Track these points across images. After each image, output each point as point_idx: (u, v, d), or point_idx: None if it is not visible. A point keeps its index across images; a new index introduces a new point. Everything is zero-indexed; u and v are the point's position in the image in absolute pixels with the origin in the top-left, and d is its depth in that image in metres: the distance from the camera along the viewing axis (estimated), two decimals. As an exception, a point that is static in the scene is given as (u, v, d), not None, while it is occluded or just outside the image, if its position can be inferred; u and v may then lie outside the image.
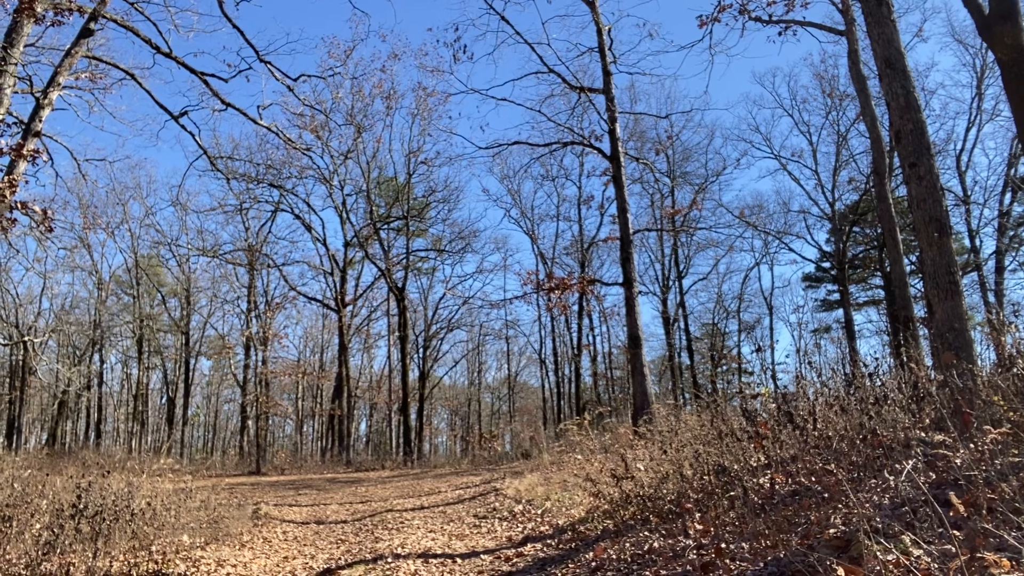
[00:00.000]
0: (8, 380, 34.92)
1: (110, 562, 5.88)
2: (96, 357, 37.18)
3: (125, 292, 37.63)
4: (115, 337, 38.72)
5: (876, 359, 6.84)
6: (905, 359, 6.21)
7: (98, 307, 35.57)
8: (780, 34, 16.81)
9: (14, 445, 29.07)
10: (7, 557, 5.75)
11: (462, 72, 66.86)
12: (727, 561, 4.02)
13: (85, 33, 13.20)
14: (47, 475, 8.60)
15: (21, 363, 32.56)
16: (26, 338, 30.47)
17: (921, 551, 2.79)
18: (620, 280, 17.47)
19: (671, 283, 35.26)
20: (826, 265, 34.39)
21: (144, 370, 38.01)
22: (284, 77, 16.23)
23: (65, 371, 32.97)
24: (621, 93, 29.35)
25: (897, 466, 4.37)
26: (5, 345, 32.06)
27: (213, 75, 15.39)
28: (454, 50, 18.87)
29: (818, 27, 17.30)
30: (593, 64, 26.35)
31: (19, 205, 10.49)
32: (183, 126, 15.80)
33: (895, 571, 2.69)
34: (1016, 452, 3.70)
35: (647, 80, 56.92)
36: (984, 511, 3.05)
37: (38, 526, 6.26)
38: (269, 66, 15.87)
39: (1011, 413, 4.20)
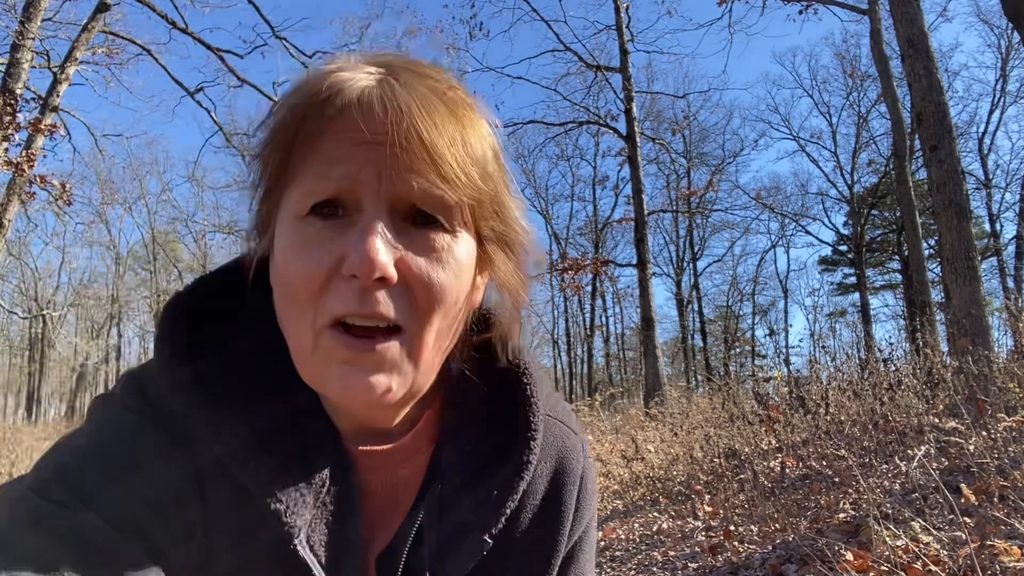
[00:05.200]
0: (28, 353, 35.47)
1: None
2: (114, 331, 37.66)
3: (142, 267, 38.05)
4: (132, 311, 39.22)
5: (891, 344, 6.79)
6: (920, 344, 6.16)
7: (116, 281, 35.97)
8: (801, 12, 16.54)
9: (33, 417, 29.60)
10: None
11: (477, 50, 66.49)
12: (735, 543, 4.03)
13: (102, 8, 13.22)
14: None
15: (40, 336, 33.05)
16: (45, 311, 30.89)
17: (931, 538, 2.78)
18: (634, 261, 17.42)
19: (685, 265, 35.13)
20: (843, 248, 34.07)
21: (161, 344, 38.42)
22: (299, 53, 16.21)
23: (83, 344, 33.44)
24: (638, 72, 29.00)
25: (909, 452, 4.35)
26: (24, 318, 32.53)
27: (229, 51, 15.43)
28: (470, 27, 18.75)
29: (840, 5, 16.96)
30: (610, 42, 26.11)
31: (38, 179, 10.59)
32: (199, 102, 15.88)
33: (904, 557, 2.68)
34: (1030, 440, 3.67)
35: (665, 59, 56.40)
36: (996, 499, 3.04)
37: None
38: (284, 42, 15.86)
39: (1027, 401, 4.16)
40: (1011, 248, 27.49)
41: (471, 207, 0.64)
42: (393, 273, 0.59)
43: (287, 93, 0.64)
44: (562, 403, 0.86)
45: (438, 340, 0.64)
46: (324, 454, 0.70)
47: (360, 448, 0.72)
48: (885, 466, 4.52)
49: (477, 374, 0.76)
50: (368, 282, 0.58)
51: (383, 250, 0.58)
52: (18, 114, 9.86)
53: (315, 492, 0.68)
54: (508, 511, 0.74)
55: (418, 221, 0.61)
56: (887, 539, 2.82)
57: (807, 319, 38.61)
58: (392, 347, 0.61)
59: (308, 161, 0.61)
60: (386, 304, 0.59)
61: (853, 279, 33.46)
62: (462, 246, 0.64)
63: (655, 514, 5.68)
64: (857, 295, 31.97)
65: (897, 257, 31.33)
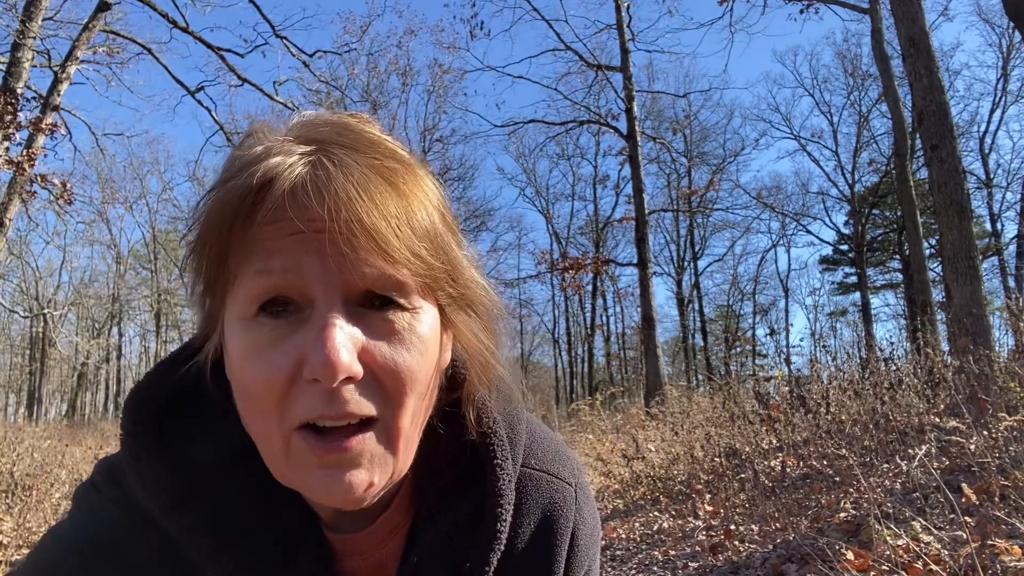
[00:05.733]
0: (28, 352, 35.50)
1: (127, 532, 5.99)
2: (115, 330, 37.69)
3: (143, 266, 38.05)
4: (133, 311, 39.25)
5: (892, 343, 6.78)
6: (921, 344, 6.16)
7: (116, 281, 35.99)
8: (802, 12, 16.55)
9: (34, 415, 29.61)
10: (27, 525, 5.88)
11: (478, 49, 66.39)
12: (736, 543, 4.03)
13: (103, 7, 13.21)
14: (66, 446, 8.76)
15: (41, 335, 33.06)
16: (46, 310, 30.91)
17: (932, 537, 2.78)
18: (635, 261, 17.42)
19: (686, 264, 35.14)
20: (844, 247, 34.06)
21: (162, 344, 38.48)
22: (300, 52, 16.23)
23: (84, 344, 33.46)
24: (639, 71, 28.96)
25: (910, 451, 4.35)
26: (25, 317, 32.55)
27: (229, 50, 15.41)
28: (471, 26, 18.79)
29: (841, 4, 16.95)
30: (611, 42, 26.05)
31: (39, 178, 10.60)
32: (199, 101, 15.85)
33: (905, 556, 2.68)
34: (1031, 440, 3.67)
35: (665, 58, 56.22)
36: (996, 498, 3.04)
37: (57, 495, 6.39)
38: (285, 41, 15.86)
39: (1028, 400, 4.15)
40: (1012, 247, 27.50)
41: (425, 282, 0.61)
42: (359, 370, 0.55)
43: (214, 184, 0.60)
44: (553, 448, 0.82)
45: (414, 421, 0.62)
46: (305, 547, 0.67)
47: (342, 536, 0.70)
48: (886, 465, 4.51)
49: (448, 434, 0.72)
50: (333, 385, 0.54)
51: (344, 348, 0.54)
52: (19, 113, 9.86)
53: None
54: None
55: (374, 303, 0.58)
56: (888, 538, 2.82)
57: (808, 318, 38.61)
58: (367, 440, 0.58)
59: (248, 257, 0.57)
60: (355, 401, 0.56)
61: (854, 278, 33.45)
62: (424, 320, 0.61)
63: (656, 513, 5.68)
64: (858, 294, 31.99)
65: (898, 256, 31.31)
